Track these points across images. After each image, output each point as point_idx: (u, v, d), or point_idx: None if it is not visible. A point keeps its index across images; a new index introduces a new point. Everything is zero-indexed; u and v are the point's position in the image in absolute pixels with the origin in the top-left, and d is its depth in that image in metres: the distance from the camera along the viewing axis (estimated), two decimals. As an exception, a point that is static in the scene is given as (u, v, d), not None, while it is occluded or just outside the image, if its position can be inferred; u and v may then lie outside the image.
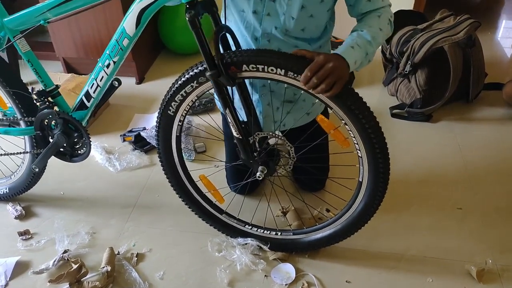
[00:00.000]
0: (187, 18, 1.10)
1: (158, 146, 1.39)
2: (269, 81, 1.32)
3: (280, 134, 1.33)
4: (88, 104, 1.40)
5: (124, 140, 2.07)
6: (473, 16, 2.19)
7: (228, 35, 1.24)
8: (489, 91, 2.40)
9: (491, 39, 3.10)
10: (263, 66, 1.13)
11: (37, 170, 1.55)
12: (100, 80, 1.34)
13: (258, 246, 1.50)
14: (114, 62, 1.29)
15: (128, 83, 2.53)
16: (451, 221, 1.65)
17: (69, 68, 2.63)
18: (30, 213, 1.70)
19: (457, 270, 1.47)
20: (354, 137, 1.21)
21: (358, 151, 1.23)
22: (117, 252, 1.52)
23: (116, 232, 1.62)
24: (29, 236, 1.60)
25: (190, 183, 1.47)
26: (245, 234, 1.53)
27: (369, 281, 1.44)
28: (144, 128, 2.10)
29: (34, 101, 1.44)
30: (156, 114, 2.22)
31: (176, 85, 1.25)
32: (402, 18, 2.37)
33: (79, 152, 1.51)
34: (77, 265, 1.43)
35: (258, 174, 1.32)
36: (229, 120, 1.24)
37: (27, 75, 1.53)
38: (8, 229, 1.63)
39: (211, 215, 1.53)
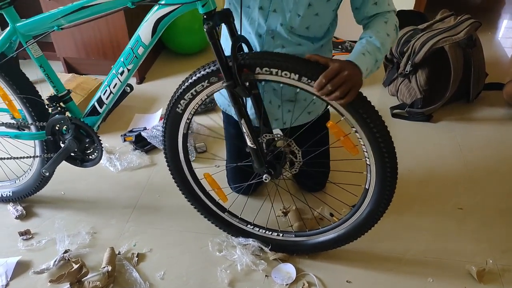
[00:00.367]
0: (205, 29, 1.09)
1: (164, 143, 1.39)
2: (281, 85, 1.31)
3: (287, 137, 1.33)
4: (100, 110, 1.40)
5: (124, 140, 2.07)
6: (473, 16, 2.19)
7: (244, 45, 1.22)
8: (490, 91, 2.40)
9: (492, 39, 3.09)
10: (277, 70, 1.13)
11: (47, 174, 1.55)
12: (114, 87, 1.34)
13: (259, 247, 1.50)
14: (128, 70, 1.29)
15: (129, 82, 2.52)
16: (451, 222, 1.65)
17: (70, 68, 2.63)
18: (31, 213, 1.70)
19: (458, 270, 1.47)
20: (363, 145, 1.20)
21: (367, 159, 1.22)
22: (117, 252, 1.52)
23: (116, 232, 1.62)
24: (30, 236, 1.60)
25: (194, 181, 1.47)
26: (247, 234, 1.53)
27: (369, 281, 1.44)
28: (145, 128, 2.10)
29: (46, 106, 1.44)
30: (157, 114, 2.24)
31: (186, 83, 1.24)
32: (402, 18, 2.34)
33: (90, 157, 1.51)
34: (78, 265, 1.43)
35: (264, 177, 1.32)
36: (244, 131, 1.24)
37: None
38: (8, 229, 1.63)
39: (213, 213, 1.53)
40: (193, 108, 1.29)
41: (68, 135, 1.45)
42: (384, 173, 1.22)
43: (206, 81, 1.21)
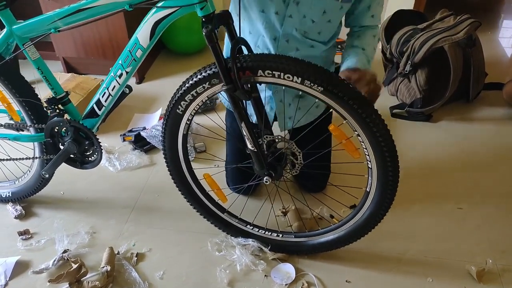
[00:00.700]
0: (203, 33, 1.08)
1: (163, 143, 1.39)
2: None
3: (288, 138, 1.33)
4: (99, 113, 1.40)
5: (124, 140, 2.07)
6: (473, 16, 2.19)
7: (243, 48, 1.23)
8: (489, 91, 2.40)
9: (491, 39, 3.09)
10: (279, 73, 1.12)
11: (47, 176, 1.55)
12: (112, 90, 1.34)
13: (258, 247, 1.50)
14: (127, 72, 1.29)
15: (128, 83, 2.52)
16: (451, 221, 1.65)
17: (69, 67, 2.63)
18: (30, 213, 1.70)
19: (457, 270, 1.47)
20: (365, 148, 1.20)
21: (369, 162, 1.22)
22: (117, 252, 1.52)
23: (116, 232, 1.62)
24: (29, 236, 1.60)
25: (194, 181, 1.47)
26: (246, 234, 1.53)
27: (369, 281, 1.44)
28: (144, 128, 2.10)
29: (44, 109, 1.44)
30: (156, 113, 2.24)
31: (187, 85, 1.22)
32: (402, 18, 2.37)
33: (89, 159, 1.50)
34: (77, 264, 1.43)
35: (265, 179, 1.32)
36: (244, 134, 1.23)
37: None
38: (8, 229, 1.63)
39: (213, 213, 1.52)
40: (194, 109, 1.28)
41: (67, 138, 1.44)
42: (385, 176, 1.21)
43: (207, 82, 1.19)
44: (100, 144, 1.44)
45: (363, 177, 1.28)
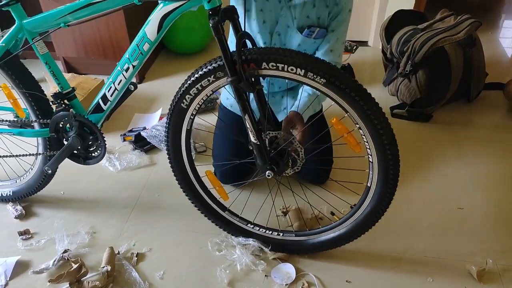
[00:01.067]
0: (210, 25, 1.11)
1: (167, 138, 1.39)
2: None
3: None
4: (104, 108, 1.40)
5: (124, 140, 2.07)
6: (473, 16, 2.19)
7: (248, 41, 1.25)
8: (490, 91, 2.40)
9: (492, 39, 3.09)
10: (283, 65, 1.14)
11: (50, 172, 1.55)
12: (118, 84, 1.34)
13: (259, 247, 1.50)
14: (133, 66, 1.30)
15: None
16: (451, 221, 1.65)
17: (69, 67, 2.63)
18: (30, 213, 1.70)
19: (458, 270, 1.47)
20: (366, 142, 1.20)
21: (370, 156, 1.23)
22: (117, 252, 1.52)
23: (116, 232, 1.62)
24: (29, 236, 1.60)
25: (196, 178, 1.47)
26: (247, 233, 1.53)
27: (369, 281, 1.44)
28: (144, 128, 2.10)
29: (50, 103, 1.45)
30: (156, 113, 2.24)
31: (192, 78, 1.24)
32: (402, 18, 2.37)
33: (93, 154, 1.51)
34: (77, 264, 1.43)
35: (267, 173, 1.32)
36: (248, 126, 1.24)
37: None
38: (8, 229, 1.63)
39: (214, 211, 1.52)
40: (198, 103, 1.29)
41: (72, 132, 1.45)
42: (386, 170, 1.22)
43: (212, 75, 1.21)
44: (105, 139, 1.45)
45: (364, 173, 1.29)
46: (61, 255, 1.48)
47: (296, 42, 1.54)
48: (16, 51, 1.40)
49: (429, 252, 1.53)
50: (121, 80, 1.34)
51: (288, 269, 1.46)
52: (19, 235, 1.59)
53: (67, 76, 2.35)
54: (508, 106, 2.30)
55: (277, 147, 1.31)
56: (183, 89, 1.27)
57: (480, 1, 3.87)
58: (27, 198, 1.73)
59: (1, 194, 1.71)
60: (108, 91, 1.37)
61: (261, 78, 1.28)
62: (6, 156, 1.63)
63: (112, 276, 1.43)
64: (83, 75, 2.44)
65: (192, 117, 1.32)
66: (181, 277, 1.46)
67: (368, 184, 1.28)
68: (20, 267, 1.48)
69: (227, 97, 1.76)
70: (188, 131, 1.36)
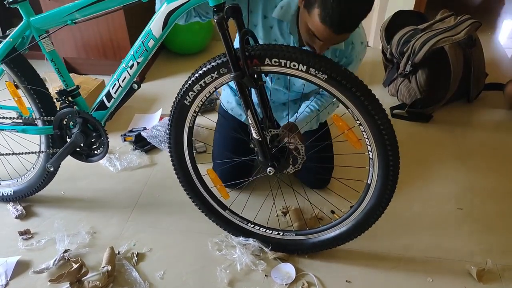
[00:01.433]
0: (215, 20, 1.12)
1: (169, 136, 1.39)
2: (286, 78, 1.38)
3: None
4: (108, 105, 1.41)
5: (124, 140, 2.07)
6: (473, 16, 2.19)
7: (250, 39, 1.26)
8: (490, 91, 2.40)
9: (492, 39, 3.10)
10: (285, 61, 1.15)
11: (52, 169, 1.56)
12: (123, 81, 1.35)
13: (259, 247, 1.50)
14: (138, 63, 1.31)
15: (129, 83, 2.53)
16: (451, 222, 1.65)
17: (70, 68, 2.64)
18: (31, 213, 1.70)
19: (457, 270, 1.47)
20: (367, 138, 1.21)
21: (370, 152, 1.24)
22: (117, 252, 1.52)
23: (116, 232, 1.62)
24: (30, 236, 1.60)
25: (197, 177, 1.47)
26: (247, 233, 1.53)
27: (369, 281, 1.44)
28: (145, 128, 2.10)
29: (55, 100, 1.47)
30: (157, 114, 2.25)
31: (196, 75, 1.25)
32: (402, 18, 2.38)
33: (95, 152, 1.52)
34: (78, 264, 1.43)
35: (269, 169, 1.33)
36: (250, 122, 1.25)
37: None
38: (8, 229, 1.63)
39: (214, 210, 1.53)
40: (201, 100, 1.30)
41: (75, 129, 1.46)
42: (386, 166, 1.23)
43: (216, 72, 1.22)
44: (108, 136, 1.46)
45: (364, 170, 1.29)
46: (62, 255, 1.48)
47: (300, 81, 1.50)
48: (23, 48, 1.41)
49: (429, 252, 1.53)
50: (125, 77, 1.34)
51: (288, 269, 1.47)
52: (20, 235, 1.59)
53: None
54: (508, 106, 2.31)
55: (278, 144, 1.31)
56: (186, 86, 1.28)
57: (480, 2, 3.87)
58: (27, 198, 1.73)
59: (2, 194, 1.72)
60: (112, 88, 1.38)
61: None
62: (9, 154, 1.63)
63: (112, 276, 1.43)
64: (83, 76, 2.44)
65: (194, 115, 1.33)
66: (181, 277, 1.46)
67: (368, 181, 1.29)
68: (21, 267, 1.48)
69: (227, 100, 1.76)
70: (191, 129, 1.37)
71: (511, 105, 2.30)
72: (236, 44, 1.39)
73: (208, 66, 1.23)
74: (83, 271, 1.42)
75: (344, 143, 1.28)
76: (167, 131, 1.39)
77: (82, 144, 1.48)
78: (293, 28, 1.36)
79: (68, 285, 1.39)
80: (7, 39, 1.40)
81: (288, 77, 1.52)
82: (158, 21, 1.22)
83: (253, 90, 1.26)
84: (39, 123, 1.55)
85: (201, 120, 2.12)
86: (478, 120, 2.25)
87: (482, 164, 1.94)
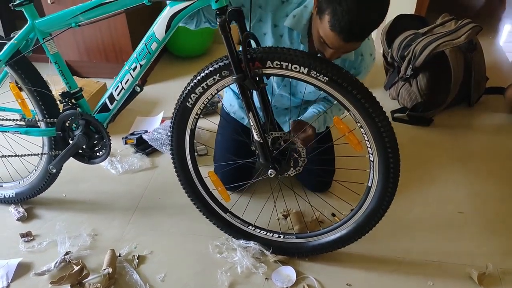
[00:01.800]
0: (218, 22, 1.13)
1: (171, 138, 1.40)
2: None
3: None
4: (110, 107, 1.43)
5: (126, 143, 2.07)
6: (474, 21, 2.20)
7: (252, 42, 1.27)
8: (490, 95, 2.40)
9: (492, 44, 3.10)
10: (287, 64, 1.16)
11: (54, 171, 1.56)
12: (125, 83, 1.36)
13: (260, 250, 1.50)
14: (141, 65, 1.32)
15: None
16: (452, 225, 1.65)
17: (72, 71, 2.64)
18: (32, 215, 1.71)
19: (458, 274, 1.47)
20: (368, 140, 1.22)
21: (371, 155, 1.24)
22: (118, 254, 1.52)
23: (117, 234, 1.62)
24: (31, 238, 1.60)
25: (198, 179, 1.48)
26: (248, 235, 1.53)
27: (369, 284, 1.44)
28: (146, 131, 2.11)
29: (58, 102, 1.48)
30: (158, 116, 2.25)
31: (198, 77, 1.26)
32: (403, 22, 2.38)
33: (97, 154, 1.53)
34: (79, 267, 1.44)
35: (270, 172, 1.33)
36: (251, 124, 1.26)
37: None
38: (10, 231, 1.64)
39: (215, 213, 1.53)
40: (203, 103, 1.30)
41: (78, 131, 1.47)
42: (387, 169, 1.23)
43: (218, 74, 1.23)
44: (110, 138, 1.47)
45: (365, 173, 1.29)
46: (63, 257, 1.48)
47: (308, 90, 1.51)
48: (27, 51, 1.42)
49: (430, 255, 1.53)
50: (128, 80, 1.36)
51: (289, 272, 1.47)
52: (21, 237, 1.59)
53: (70, 79, 2.37)
54: (509, 110, 2.31)
55: (279, 147, 1.32)
56: (188, 88, 1.29)
57: (481, 6, 3.88)
58: (29, 200, 1.74)
59: (4, 196, 1.72)
60: (115, 90, 1.39)
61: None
62: (12, 156, 1.64)
63: (113, 278, 1.43)
64: (85, 79, 2.45)
65: (196, 117, 1.34)
66: (182, 279, 1.46)
67: (369, 184, 1.29)
68: (22, 269, 1.49)
69: (230, 103, 1.76)
70: (193, 131, 1.37)
71: (511, 109, 2.30)
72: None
73: (210, 69, 1.24)
74: (84, 274, 1.43)
75: (345, 145, 1.29)
76: (169, 133, 1.40)
77: (84, 146, 1.49)
78: (304, 38, 1.36)
79: (69, 287, 1.39)
80: (11, 41, 1.41)
81: (294, 84, 1.52)
82: (161, 24, 1.23)
83: (255, 93, 1.26)
84: (42, 125, 1.56)
85: (203, 122, 2.13)
86: (478, 124, 2.25)
87: (483, 167, 1.94)
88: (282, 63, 1.16)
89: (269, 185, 1.64)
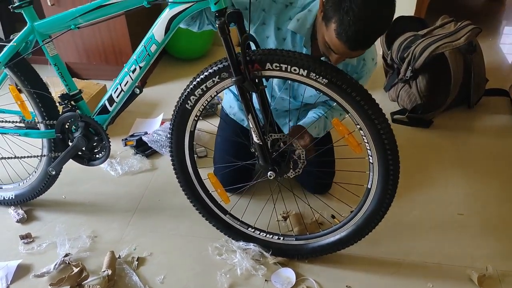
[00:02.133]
0: (217, 25, 1.14)
1: (170, 140, 1.40)
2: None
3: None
4: (110, 109, 1.43)
5: (125, 145, 2.07)
6: (474, 22, 2.20)
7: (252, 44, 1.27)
8: (490, 97, 2.40)
9: (492, 45, 3.10)
10: (286, 66, 1.16)
11: (53, 173, 1.56)
12: (125, 85, 1.37)
13: (259, 252, 1.50)
14: (140, 67, 1.32)
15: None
16: (452, 227, 1.65)
17: (72, 72, 2.65)
18: (32, 217, 1.71)
19: (458, 276, 1.47)
20: (367, 142, 1.22)
21: (370, 157, 1.24)
22: (118, 256, 1.52)
23: (117, 236, 1.62)
24: (31, 240, 1.60)
25: (198, 181, 1.48)
26: (247, 237, 1.53)
27: (369, 286, 1.44)
28: (146, 133, 2.11)
29: (57, 104, 1.48)
30: (158, 118, 2.25)
31: (197, 79, 1.26)
32: (402, 24, 2.39)
33: (97, 156, 1.53)
34: (78, 268, 1.43)
35: (269, 173, 1.33)
36: (251, 126, 1.26)
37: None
38: (9, 233, 1.64)
39: (215, 215, 1.53)
40: (202, 105, 1.31)
41: (77, 133, 1.47)
42: (386, 171, 1.23)
43: (217, 76, 1.23)
44: (109, 140, 1.47)
45: (365, 175, 1.29)
46: (62, 259, 1.48)
47: (308, 94, 1.51)
48: (26, 53, 1.43)
49: (429, 257, 1.53)
50: (127, 82, 1.36)
51: (288, 274, 1.46)
52: (21, 239, 1.59)
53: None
54: (509, 112, 2.31)
55: (279, 149, 1.32)
56: (188, 90, 1.29)
57: (480, 7, 3.88)
58: (29, 202, 1.74)
59: (4, 198, 1.72)
60: (115, 92, 1.39)
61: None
62: (11, 158, 1.64)
63: (112, 280, 1.43)
64: (85, 80, 2.45)
65: (196, 119, 1.34)
66: (182, 281, 1.46)
67: (369, 186, 1.29)
68: (21, 271, 1.49)
69: (230, 105, 1.76)
70: (192, 133, 1.37)
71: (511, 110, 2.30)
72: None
73: (210, 71, 1.24)
74: (83, 275, 1.43)
75: (345, 147, 1.29)
76: (169, 135, 1.40)
77: (84, 148, 1.49)
78: (307, 41, 1.36)
79: (69, 289, 1.40)
80: (11, 43, 1.41)
81: (295, 87, 1.52)
82: (161, 26, 1.24)
83: (254, 95, 1.27)
84: (41, 127, 1.56)
85: (202, 124, 2.13)
86: (478, 125, 2.25)
87: (483, 169, 1.94)
88: (281, 65, 1.16)
89: (269, 187, 1.64)
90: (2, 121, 1.58)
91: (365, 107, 1.16)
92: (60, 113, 1.47)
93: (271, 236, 1.52)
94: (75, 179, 1.87)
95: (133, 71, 1.33)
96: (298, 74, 1.17)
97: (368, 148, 1.23)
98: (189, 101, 1.30)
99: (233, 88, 1.68)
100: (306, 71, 1.15)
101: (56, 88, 2.25)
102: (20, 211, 1.70)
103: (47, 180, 1.64)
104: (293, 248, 1.50)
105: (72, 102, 1.46)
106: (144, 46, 1.28)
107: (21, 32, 1.40)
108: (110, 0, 1.24)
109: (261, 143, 1.28)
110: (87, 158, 1.54)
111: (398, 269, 1.49)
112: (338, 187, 1.71)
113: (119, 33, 2.40)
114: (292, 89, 1.53)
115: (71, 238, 1.58)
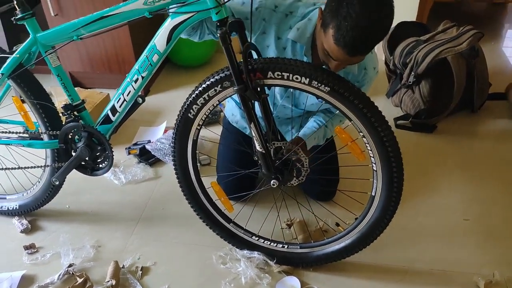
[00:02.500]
0: (218, 34, 1.14)
1: (173, 149, 1.40)
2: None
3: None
4: (113, 119, 1.43)
5: (129, 153, 2.08)
6: (476, 27, 2.20)
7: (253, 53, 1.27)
8: (494, 101, 2.39)
9: (495, 49, 3.09)
10: (288, 74, 1.16)
11: (57, 183, 1.57)
12: (127, 95, 1.37)
13: (264, 260, 1.50)
14: (143, 77, 1.33)
15: (133, 96, 2.54)
16: (457, 233, 1.64)
17: (75, 82, 2.66)
18: (36, 227, 1.71)
19: (464, 282, 1.45)
20: (370, 150, 1.22)
21: (374, 164, 1.24)
22: (122, 266, 1.52)
23: (121, 246, 1.62)
24: (35, 250, 1.60)
25: (201, 190, 1.47)
26: (252, 246, 1.52)
27: (375, 294, 1.43)
28: (149, 141, 2.11)
29: (60, 114, 1.49)
30: (161, 126, 2.26)
31: (199, 89, 1.26)
32: (404, 29, 2.39)
33: (100, 166, 1.53)
34: (82, 279, 1.43)
35: (272, 182, 1.33)
36: (253, 134, 1.26)
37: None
38: (13, 243, 1.64)
39: (218, 223, 1.52)
40: (204, 113, 1.31)
41: (81, 143, 1.47)
42: (390, 178, 1.23)
43: (219, 85, 1.23)
44: (112, 149, 1.47)
45: (369, 182, 1.29)
46: (66, 269, 1.48)
47: (310, 102, 1.51)
48: (29, 64, 1.43)
49: (435, 264, 1.52)
50: (130, 91, 1.36)
51: (293, 282, 1.46)
52: (25, 249, 1.59)
53: (73, 90, 2.38)
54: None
55: (282, 157, 1.31)
56: (190, 99, 1.29)
57: (482, 12, 3.88)
58: (33, 212, 1.74)
59: (8, 208, 1.72)
60: (117, 102, 1.40)
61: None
62: (15, 168, 1.65)
63: (117, 290, 1.43)
64: (88, 89, 2.46)
65: (198, 128, 1.34)
66: (186, 290, 1.45)
67: (373, 193, 1.29)
68: (26, 282, 1.48)
69: (232, 113, 1.76)
70: (195, 142, 1.37)
71: None
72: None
73: (212, 80, 1.24)
74: (87, 286, 1.42)
75: (348, 155, 1.28)
76: (172, 144, 1.40)
77: (87, 158, 1.50)
78: (307, 50, 1.36)
79: (73, 299, 1.39)
80: (14, 55, 1.42)
81: (297, 95, 1.52)
82: (162, 36, 1.24)
83: (256, 103, 1.26)
84: (45, 137, 1.56)
85: (205, 132, 2.13)
86: (482, 130, 2.24)
87: (488, 174, 1.93)
88: (283, 73, 1.16)
89: (272, 195, 1.64)
90: (6, 132, 1.59)
91: (368, 115, 1.16)
92: (63, 124, 1.48)
93: (275, 244, 1.51)
94: (78, 188, 1.88)
95: (136, 81, 1.34)
96: (300, 82, 1.17)
97: (372, 155, 1.23)
98: (191, 110, 1.30)
99: (235, 96, 1.68)
100: (308, 79, 1.15)
101: (60, 98, 2.26)
102: (24, 221, 1.70)
103: (51, 190, 1.64)
104: (298, 256, 1.49)
105: (75, 113, 1.47)
106: (146, 56, 1.29)
107: (23, 44, 1.40)
108: (112, 11, 1.24)
109: (263, 151, 1.28)
110: (90, 168, 1.54)
111: (403, 276, 1.48)
112: (342, 195, 1.70)
113: (123, 42, 2.41)
114: (294, 97, 1.53)
115: (75, 248, 1.58)
